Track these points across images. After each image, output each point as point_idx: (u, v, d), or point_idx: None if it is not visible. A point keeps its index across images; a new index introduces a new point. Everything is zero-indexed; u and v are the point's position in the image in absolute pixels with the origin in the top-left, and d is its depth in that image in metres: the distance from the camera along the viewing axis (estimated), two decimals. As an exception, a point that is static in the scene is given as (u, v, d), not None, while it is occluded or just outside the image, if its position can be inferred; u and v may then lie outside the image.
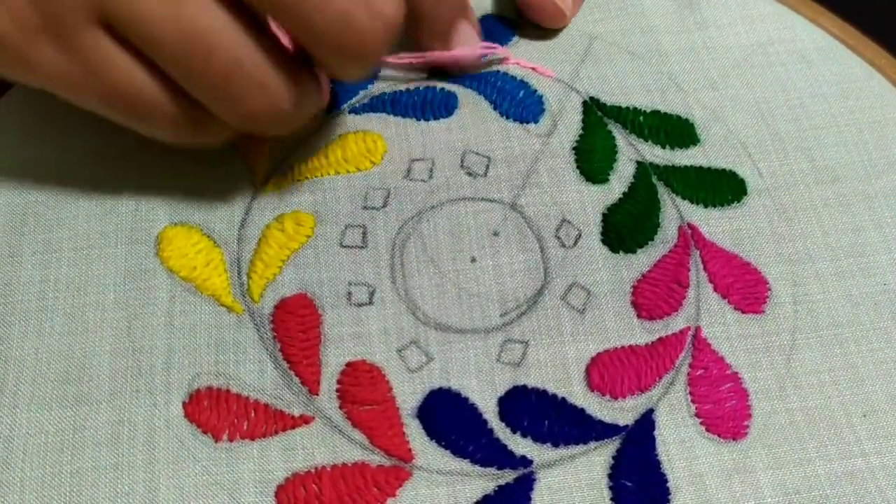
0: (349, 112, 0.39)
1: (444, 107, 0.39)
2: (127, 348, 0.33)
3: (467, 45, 0.39)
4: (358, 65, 0.32)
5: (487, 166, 0.38)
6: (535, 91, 0.39)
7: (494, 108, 0.39)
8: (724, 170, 0.38)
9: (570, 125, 0.39)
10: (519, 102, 0.39)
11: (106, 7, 0.29)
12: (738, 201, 0.37)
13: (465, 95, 0.39)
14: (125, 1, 0.29)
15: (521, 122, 0.39)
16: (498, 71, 0.40)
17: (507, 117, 0.39)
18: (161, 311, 0.34)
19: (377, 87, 0.39)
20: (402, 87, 0.40)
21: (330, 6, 0.29)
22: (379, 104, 0.39)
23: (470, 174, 0.37)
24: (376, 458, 0.32)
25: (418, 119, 0.39)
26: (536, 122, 0.39)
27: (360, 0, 0.29)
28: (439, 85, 0.40)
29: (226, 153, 0.37)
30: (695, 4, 0.42)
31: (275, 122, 0.32)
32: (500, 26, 0.41)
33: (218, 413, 0.32)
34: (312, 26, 0.29)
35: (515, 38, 0.41)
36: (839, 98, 0.40)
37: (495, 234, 0.36)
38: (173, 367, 0.33)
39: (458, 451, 0.32)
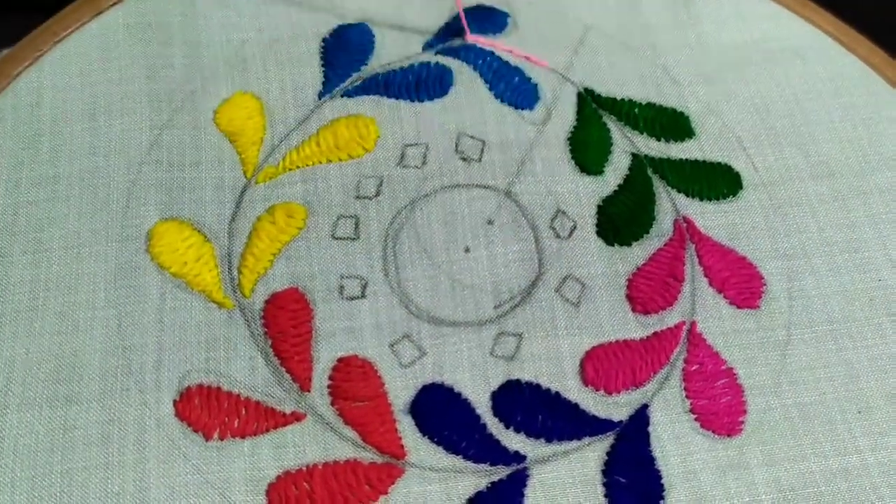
0: (342, 96, 0.38)
1: (438, 84, 0.38)
2: (117, 347, 0.33)
3: None
4: None
5: (482, 150, 0.37)
6: (530, 79, 0.39)
7: (490, 89, 0.39)
8: (719, 163, 0.37)
9: (565, 116, 0.38)
10: (515, 87, 0.39)
11: None
12: (734, 195, 0.37)
13: (461, 72, 0.39)
14: None
15: (516, 108, 0.38)
16: (493, 52, 0.39)
17: (503, 100, 0.38)
18: (151, 308, 0.33)
19: (370, 68, 0.39)
20: (397, 66, 0.39)
21: None
22: (373, 85, 0.38)
23: (464, 159, 0.37)
24: (368, 456, 0.32)
25: (412, 100, 0.38)
26: (531, 108, 0.38)
27: None
28: (434, 59, 0.39)
29: (217, 145, 0.37)
30: (689, 1, 0.42)
31: None
32: (493, 15, 0.41)
33: (209, 411, 0.32)
34: None
35: (510, 27, 0.40)
36: (833, 95, 0.39)
37: (489, 222, 0.36)
38: (164, 366, 0.32)
39: (451, 447, 0.32)
